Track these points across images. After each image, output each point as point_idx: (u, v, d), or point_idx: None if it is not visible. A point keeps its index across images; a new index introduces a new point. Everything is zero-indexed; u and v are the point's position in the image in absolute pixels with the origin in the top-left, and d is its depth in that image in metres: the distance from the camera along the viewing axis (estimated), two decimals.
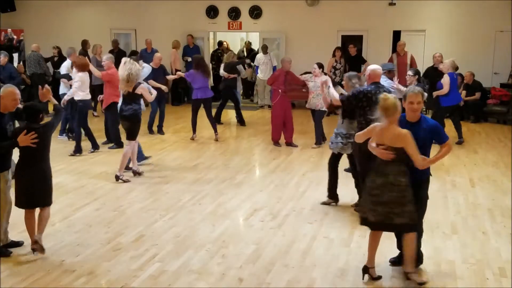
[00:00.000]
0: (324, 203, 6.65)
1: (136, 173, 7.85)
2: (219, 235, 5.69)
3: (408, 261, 4.60)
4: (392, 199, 4.37)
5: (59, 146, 9.46)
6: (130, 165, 7.93)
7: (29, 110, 5.05)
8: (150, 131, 10.88)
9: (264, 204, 6.71)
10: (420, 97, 4.49)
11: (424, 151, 4.47)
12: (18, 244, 5.31)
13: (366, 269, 4.67)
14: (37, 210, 5.22)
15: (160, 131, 10.97)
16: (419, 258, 4.81)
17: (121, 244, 5.42)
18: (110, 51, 13.19)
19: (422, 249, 4.87)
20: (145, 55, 13.21)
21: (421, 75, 9.90)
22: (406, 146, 4.34)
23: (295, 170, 8.28)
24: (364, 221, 4.63)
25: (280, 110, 9.77)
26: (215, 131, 10.47)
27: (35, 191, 5.08)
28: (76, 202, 6.69)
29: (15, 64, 16.62)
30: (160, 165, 8.53)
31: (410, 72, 8.23)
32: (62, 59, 13.73)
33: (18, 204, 5.13)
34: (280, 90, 9.73)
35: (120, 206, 6.59)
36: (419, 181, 4.55)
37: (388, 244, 5.35)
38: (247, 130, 11.62)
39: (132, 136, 7.66)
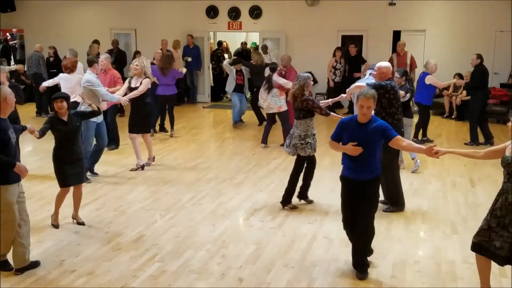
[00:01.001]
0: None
1: (141, 166, 8.26)
2: (219, 235, 5.69)
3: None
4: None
5: None
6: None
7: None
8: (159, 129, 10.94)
9: (264, 204, 6.71)
10: (371, 102, 4.58)
11: (374, 150, 4.60)
12: (35, 265, 4.93)
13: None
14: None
15: (162, 129, 11.07)
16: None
17: (121, 244, 5.42)
18: (109, 51, 13.17)
19: (422, 248, 4.87)
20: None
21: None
22: None
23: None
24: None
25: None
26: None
27: (68, 172, 5.60)
28: None
29: (13, 63, 16.68)
30: (160, 165, 8.53)
31: (397, 74, 8.20)
32: (57, 59, 13.76)
33: (59, 185, 5.72)
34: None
35: (120, 206, 6.59)
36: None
37: (387, 243, 5.36)
38: (247, 130, 11.62)
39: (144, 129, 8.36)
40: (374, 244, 4.96)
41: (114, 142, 9.35)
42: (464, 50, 12.75)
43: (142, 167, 8.20)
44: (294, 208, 6.54)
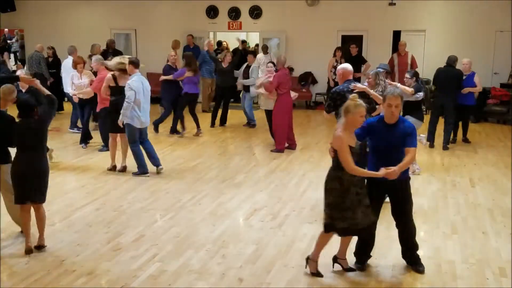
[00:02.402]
0: None
1: (113, 169, 8.08)
2: (219, 235, 5.69)
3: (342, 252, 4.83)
4: (332, 203, 4.49)
5: (64, 144, 9.45)
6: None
7: (22, 106, 5.10)
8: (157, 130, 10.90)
9: (264, 204, 6.71)
10: (399, 100, 4.51)
11: (398, 154, 4.47)
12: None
13: (335, 259, 4.85)
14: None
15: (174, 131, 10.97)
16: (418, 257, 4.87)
17: (121, 244, 5.42)
18: (104, 51, 13.13)
19: (422, 248, 4.87)
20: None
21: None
22: (337, 150, 4.40)
23: (295, 170, 8.28)
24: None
25: (285, 114, 9.42)
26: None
27: (26, 185, 5.07)
28: (76, 202, 6.69)
29: (11, 63, 16.67)
30: (160, 165, 8.51)
31: (407, 75, 8.19)
32: (56, 59, 13.77)
33: (14, 200, 5.15)
34: (284, 91, 9.38)
35: (120, 206, 6.59)
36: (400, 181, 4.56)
37: (386, 243, 5.36)
38: (247, 130, 11.62)
39: (113, 129, 8.05)
40: (373, 244, 4.96)
41: (106, 143, 9.41)
42: (464, 50, 12.74)
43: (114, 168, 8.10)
44: None
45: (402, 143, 4.49)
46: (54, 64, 13.54)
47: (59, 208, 6.41)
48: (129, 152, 7.89)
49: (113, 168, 8.05)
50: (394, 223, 5.93)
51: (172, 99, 10.76)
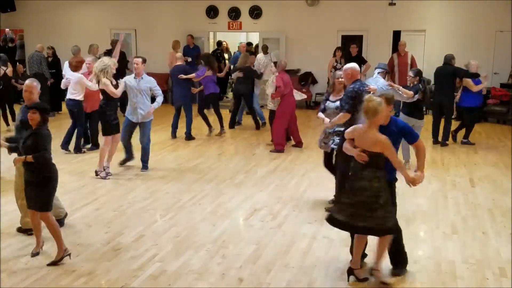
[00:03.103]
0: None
1: (98, 173, 7.79)
2: (219, 235, 5.69)
3: (377, 259, 4.64)
4: (362, 202, 4.38)
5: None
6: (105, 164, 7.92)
7: (45, 110, 4.92)
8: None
9: (264, 204, 6.71)
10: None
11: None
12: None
13: (351, 271, 4.67)
14: None
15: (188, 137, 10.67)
16: (403, 261, 4.81)
17: (121, 244, 5.42)
18: (108, 51, 13.15)
19: (422, 248, 4.86)
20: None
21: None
22: (384, 152, 4.34)
23: (295, 170, 8.28)
24: (331, 220, 4.61)
25: (287, 115, 9.47)
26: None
27: (26, 192, 4.98)
28: (76, 202, 6.69)
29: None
30: (160, 165, 8.52)
31: (411, 73, 8.21)
32: (56, 59, 13.76)
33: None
34: (287, 92, 9.44)
35: (120, 206, 6.59)
36: (390, 182, 4.55)
37: None
38: (247, 130, 11.62)
39: (103, 132, 7.89)
40: (374, 244, 4.95)
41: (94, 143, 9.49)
42: (464, 50, 12.76)
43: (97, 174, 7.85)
44: None
45: (396, 143, 4.50)
46: (54, 64, 13.53)
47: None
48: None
49: (99, 173, 7.78)
50: None
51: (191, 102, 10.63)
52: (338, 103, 6.35)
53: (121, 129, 8.11)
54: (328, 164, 6.81)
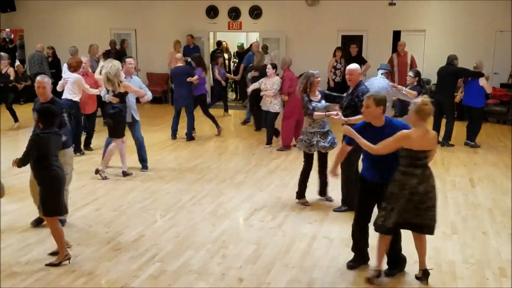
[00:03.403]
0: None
1: (126, 174, 7.86)
2: (219, 235, 5.69)
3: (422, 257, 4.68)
4: (432, 202, 4.43)
5: None
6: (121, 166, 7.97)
7: (44, 113, 4.82)
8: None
9: (264, 204, 6.71)
10: (370, 101, 4.53)
11: (390, 156, 4.47)
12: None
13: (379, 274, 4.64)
14: None
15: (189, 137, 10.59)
16: (400, 261, 4.82)
17: (121, 244, 5.42)
18: (107, 51, 13.17)
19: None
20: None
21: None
22: (434, 147, 4.46)
23: (295, 170, 8.25)
24: (381, 228, 4.51)
25: (294, 112, 9.43)
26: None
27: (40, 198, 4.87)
28: (76, 202, 6.68)
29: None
30: (160, 165, 8.53)
31: (410, 73, 8.22)
32: (56, 59, 13.76)
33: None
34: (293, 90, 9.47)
35: (120, 206, 6.59)
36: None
37: None
38: (247, 130, 11.62)
39: (116, 134, 7.71)
40: (373, 244, 4.95)
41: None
42: (464, 50, 12.75)
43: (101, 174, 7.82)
44: (305, 204, 6.61)
45: None
46: (54, 64, 13.55)
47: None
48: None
49: (101, 173, 7.73)
50: None
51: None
52: (324, 102, 6.46)
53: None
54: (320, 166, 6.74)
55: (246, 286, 4.59)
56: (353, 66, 6.23)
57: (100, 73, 8.55)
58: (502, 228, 5.92)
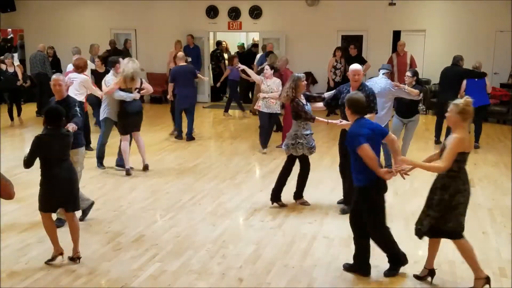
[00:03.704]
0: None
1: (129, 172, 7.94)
2: (219, 235, 5.69)
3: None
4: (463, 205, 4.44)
5: None
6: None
7: (51, 114, 4.80)
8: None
9: (264, 204, 6.71)
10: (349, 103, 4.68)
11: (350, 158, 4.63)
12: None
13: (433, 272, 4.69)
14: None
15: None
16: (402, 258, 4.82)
17: (121, 244, 5.42)
18: (107, 51, 13.17)
19: (422, 248, 4.85)
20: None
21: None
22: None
23: (295, 170, 8.25)
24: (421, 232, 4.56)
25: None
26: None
27: (56, 195, 4.87)
28: None
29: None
30: (160, 165, 8.53)
31: (408, 73, 8.21)
32: (56, 59, 13.75)
33: (43, 208, 4.94)
34: None
35: (120, 206, 6.59)
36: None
37: None
38: (247, 130, 11.62)
39: (126, 131, 7.92)
40: (373, 244, 4.96)
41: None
42: (464, 50, 12.75)
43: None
44: (283, 206, 6.57)
45: (375, 143, 4.64)
46: (54, 64, 13.54)
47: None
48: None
49: (129, 171, 7.86)
50: (394, 223, 5.95)
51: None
52: (308, 104, 6.46)
53: (103, 132, 8.14)
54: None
55: (246, 286, 4.59)
56: (358, 66, 6.27)
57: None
58: (502, 228, 5.92)
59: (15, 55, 15.40)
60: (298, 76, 6.36)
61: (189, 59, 14.27)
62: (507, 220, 6.13)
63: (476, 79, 9.91)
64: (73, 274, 4.75)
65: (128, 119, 7.78)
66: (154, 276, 4.74)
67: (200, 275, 4.77)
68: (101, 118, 8.11)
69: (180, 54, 10.63)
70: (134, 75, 7.63)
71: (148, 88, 8.15)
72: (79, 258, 4.99)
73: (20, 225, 5.79)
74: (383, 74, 7.94)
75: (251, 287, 4.58)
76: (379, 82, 7.61)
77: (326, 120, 6.38)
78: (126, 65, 7.65)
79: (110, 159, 8.35)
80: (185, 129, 10.44)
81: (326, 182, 7.59)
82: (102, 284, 4.62)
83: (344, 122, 6.03)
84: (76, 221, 5.08)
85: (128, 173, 7.83)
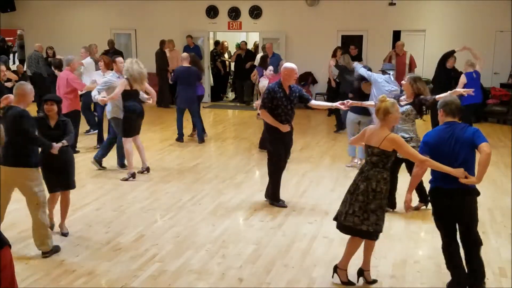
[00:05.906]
0: None
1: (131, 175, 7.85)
2: (219, 235, 5.69)
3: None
4: (381, 206, 4.38)
5: None
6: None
7: (47, 99, 5.39)
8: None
9: (264, 204, 6.71)
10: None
11: None
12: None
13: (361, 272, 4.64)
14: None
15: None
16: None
17: (121, 244, 5.42)
18: (106, 51, 13.17)
19: (422, 248, 4.85)
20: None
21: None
22: (399, 149, 4.37)
23: (295, 170, 8.27)
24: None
25: None
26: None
27: (55, 176, 5.44)
28: (76, 202, 6.67)
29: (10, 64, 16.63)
30: (160, 165, 8.53)
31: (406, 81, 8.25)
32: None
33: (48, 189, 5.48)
34: None
35: (120, 206, 6.59)
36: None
37: (387, 243, 5.35)
38: (247, 130, 11.62)
39: (129, 133, 7.80)
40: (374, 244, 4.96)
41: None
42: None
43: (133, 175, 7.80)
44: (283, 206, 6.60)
45: None
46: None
47: (59, 208, 6.39)
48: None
49: (133, 176, 7.73)
50: (394, 223, 5.96)
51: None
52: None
53: (118, 134, 8.07)
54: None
55: (246, 286, 4.59)
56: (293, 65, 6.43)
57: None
58: (502, 228, 5.91)
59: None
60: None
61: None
62: (507, 220, 6.13)
63: (475, 75, 9.90)
64: (73, 274, 4.75)
65: (133, 123, 7.70)
66: (154, 276, 4.74)
67: (200, 275, 4.77)
68: (108, 117, 7.98)
69: (185, 54, 10.48)
70: (142, 77, 7.53)
71: (153, 94, 8.06)
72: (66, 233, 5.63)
73: (20, 225, 5.79)
74: (391, 74, 7.97)
75: (251, 287, 4.58)
76: (390, 82, 7.71)
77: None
78: (131, 66, 7.50)
79: (110, 159, 8.34)
80: (187, 131, 10.45)
81: (326, 182, 7.59)
82: (102, 284, 4.62)
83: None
84: (69, 197, 5.69)
85: (133, 177, 7.69)
